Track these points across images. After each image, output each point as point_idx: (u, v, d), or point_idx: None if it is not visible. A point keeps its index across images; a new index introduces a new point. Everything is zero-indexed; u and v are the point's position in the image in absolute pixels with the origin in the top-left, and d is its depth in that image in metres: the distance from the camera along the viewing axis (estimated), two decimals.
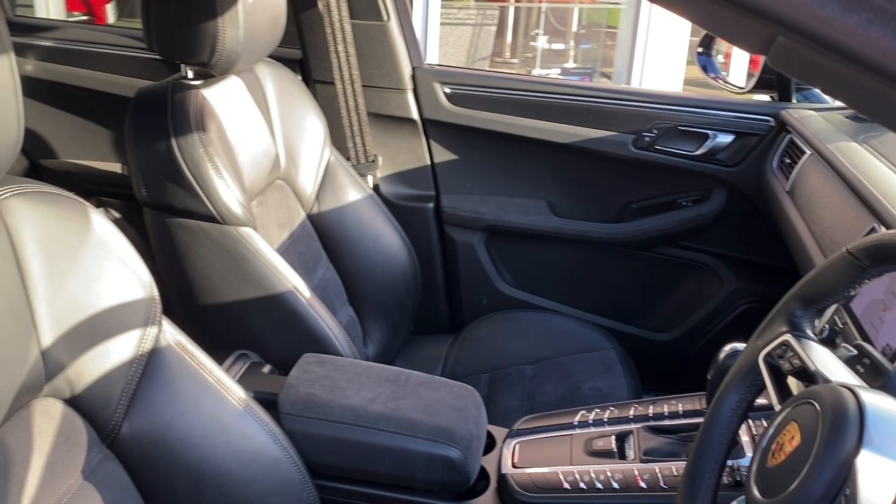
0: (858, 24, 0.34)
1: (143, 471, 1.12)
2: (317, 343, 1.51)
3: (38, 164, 2.35)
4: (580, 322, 2.09)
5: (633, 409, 1.39)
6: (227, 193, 1.46)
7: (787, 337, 0.93)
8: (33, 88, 2.28)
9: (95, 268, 1.06)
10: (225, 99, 1.60)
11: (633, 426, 1.36)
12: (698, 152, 1.99)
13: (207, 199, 1.44)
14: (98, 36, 2.27)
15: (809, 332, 0.94)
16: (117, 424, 1.09)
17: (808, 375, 0.88)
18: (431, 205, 2.15)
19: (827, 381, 0.85)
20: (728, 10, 0.40)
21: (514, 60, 7.81)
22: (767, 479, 0.82)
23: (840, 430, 0.76)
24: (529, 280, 2.19)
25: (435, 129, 2.11)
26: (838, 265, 0.89)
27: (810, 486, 0.75)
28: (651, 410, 1.38)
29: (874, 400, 0.78)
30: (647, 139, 2.00)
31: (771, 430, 0.85)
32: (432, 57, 5.84)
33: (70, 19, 5.74)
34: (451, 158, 2.14)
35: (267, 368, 1.43)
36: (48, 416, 1.02)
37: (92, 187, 2.29)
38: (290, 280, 1.52)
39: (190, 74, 1.56)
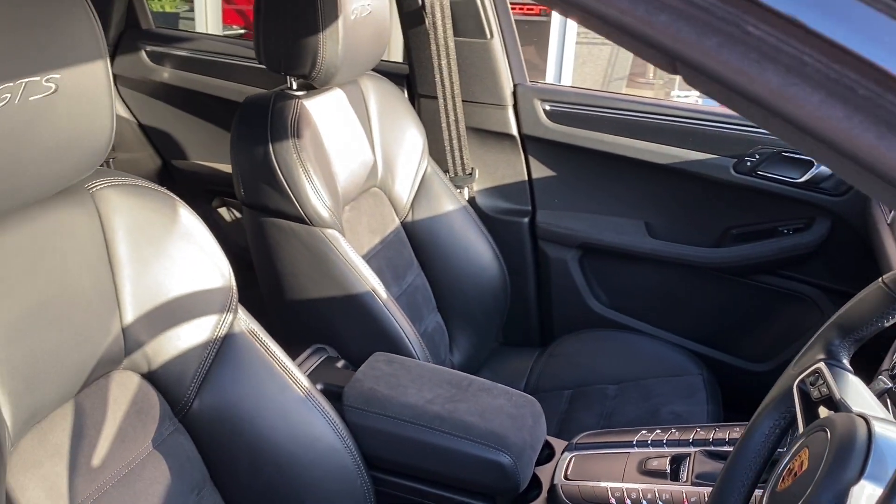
0: (711, 48, 0.36)
1: (209, 445, 1.22)
2: (390, 343, 1.58)
3: (169, 163, 2.56)
4: (670, 345, 2.06)
5: (694, 432, 1.38)
6: (316, 197, 1.56)
7: (821, 365, 0.91)
8: (168, 94, 2.49)
9: (178, 256, 1.17)
10: (325, 109, 1.70)
11: (691, 449, 1.35)
12: (802, 179, 1.93)
13: (297, 201, 1.55)
14: (227, 48, 2.46)
15: (845, 361, 0.92)
16: (189, 400, 1.19)
17: (834, 404, 0.86)
18: (527, 219, 2.18)
19: (848, 410, 0.83)
20: (636, 42, 0.43)
21: (656, 81, 7.69)
22: (775, 502, 0.81)
23: (844, 458, 0.74)
24: (621, 300, 2.19)
25: (533, 145, 2.15)
26: (873, 295, 0.88)
27: None
28: (712, 435, 1.37)
29: (887, 431, 0.76)
30: (748, 164, 1.96)
31: (787, 457, 0.84)
32: (567, 77, 5.86)
33: (227, 32, 6.15)
34: (548, 175, 2.17)
35: (341, 363, 1.51)
36: (125, 387, 1.13)
37: (215, 187, 2.47)
38: (370, 282, 1.59)
39: (294, 85, 1.68)
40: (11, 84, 0.86)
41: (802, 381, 0.93)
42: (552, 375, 2.00)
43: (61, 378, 1.02)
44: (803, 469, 0.79)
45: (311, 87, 1.69)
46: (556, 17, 5.58)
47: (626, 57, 6.94)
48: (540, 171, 2.17)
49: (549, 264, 2.19)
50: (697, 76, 0.40)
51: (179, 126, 2.52)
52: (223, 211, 2.47)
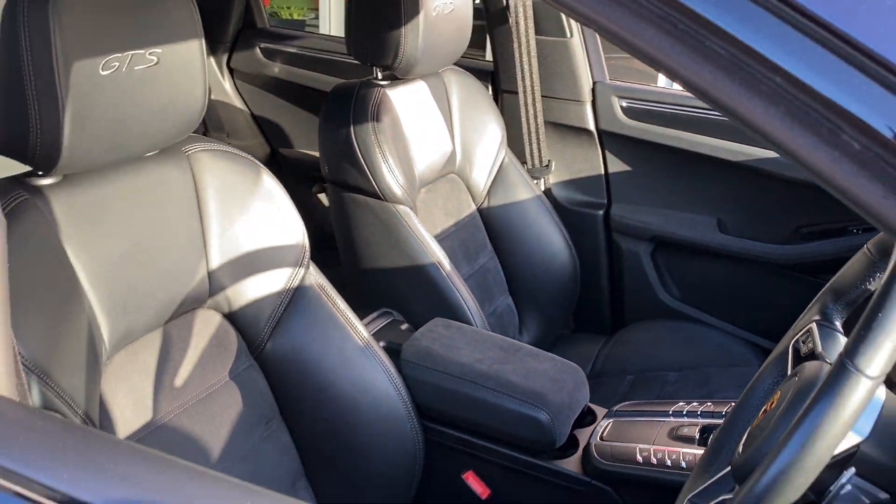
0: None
1: (279, 383, 1.39)
2: (451, 312, 1.72)
3: (277, 151, 2.79)
4: (734, 338, 2.11)
5: (728, 405, 1.45)
6: (390, 176, 1.72)
7: (812, 325, 0.99)
8: (278, 88, 2.72)
9: (259, 214, 1.35)
10: (406, 97, 1.86)
11: (722, 420, 1.42)
12: None
13: (373, 178, 1.71)
14: (331, 45, 2.66)
15: (837, 323, 0.99)
16: (263, 341, 1.37)
17: (815, 357, 0.94)
18: (601, 212, 2.28)
19: (824, 360, 0.90)
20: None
21: None
22: (748, 437, 0.90)
23: (800, 397, 0.83)
24: (690, 292, 2.25)
25: (610, 140, 2.24)
26: (859, 261, 0.95)
27: (767, 443, 0.83)
28: None
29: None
30: None
31: (767, 401, 0.92)
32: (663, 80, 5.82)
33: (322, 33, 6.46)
34: (624, 169, 2.26)
35: (405, 326, 1.66)
36: (207, 323, 1.32)
37: (316, 174, 2.67)
38: (436, 255, 1.74)
39: (379, 76, 1.84)
40: (120, 55, 1.05)
41: (797, 340, 1.01)
42: (616, 361, 2.09)
43: (152, 308, 1.20)
44: (771, 408, 0.88)
45: (394, 78, 1.85)
46: None
47: None
48: (616, 165, 2.26)
49: (621, 256, 2.28)
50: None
51: (287, 117, 2.74)
52: (322, 196, 2.68)
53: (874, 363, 0.70)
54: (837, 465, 0.81)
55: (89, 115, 1.03)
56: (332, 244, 1.92)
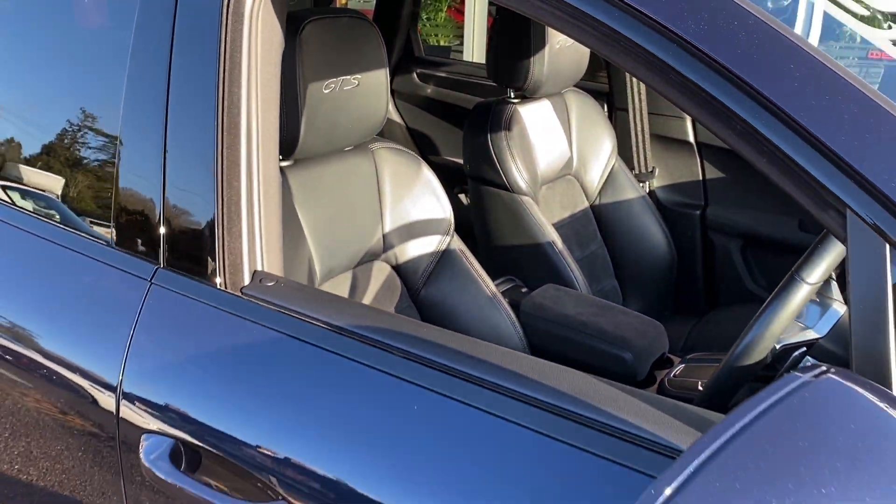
0: None
1: (429, 320, 1.89)
2: (561, 280, 2.17)
3: (426, 158, 3.32)
4: None
5: None
6: (516, 173, 2.20)
7: None
8: (430, 106, 3.26)
9: (419, 195, 1.86)
10: (533, 113, 2.34)
11: None
12: None
13: (503, 174, 2.19)
14: (475, 71, 3.18)
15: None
16: (419, 288, 1.87)
17: None
18: (698, 212, 2.67)
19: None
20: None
21: None
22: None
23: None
24: (775, 283, 2.59)
25: (708, 150, 2.64)
26: None
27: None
28: None
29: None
30: None
31: None
32: None
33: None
34: (719, 176, 2.64)
35: (524, 289, 2.13)
36: (381, 271, 1.83)
37: (459, 177, 3.19)
38: (551, 235, 2.20)
39: (511, 95, 2.33)
40: (335, 79, 1.58)
41: None
42: (706, 337, 2.47)
43: (347, 255, 1.73)
44: None
45: (524, 97, 2.34)
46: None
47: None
48: (712, 172, 2.65)
49: (714, 250, 2.66)
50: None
51: (436, 130, 3.28)
52: (462, 196, 3.19)
53: (813, 274, 1.12)
54: (802, 352, 1.22)
55: (314, 120, 1.57)
56: (469, 235, 2.42)
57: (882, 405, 0.67)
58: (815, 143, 0.82)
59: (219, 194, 1.17)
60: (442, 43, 7.69)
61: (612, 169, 2.54)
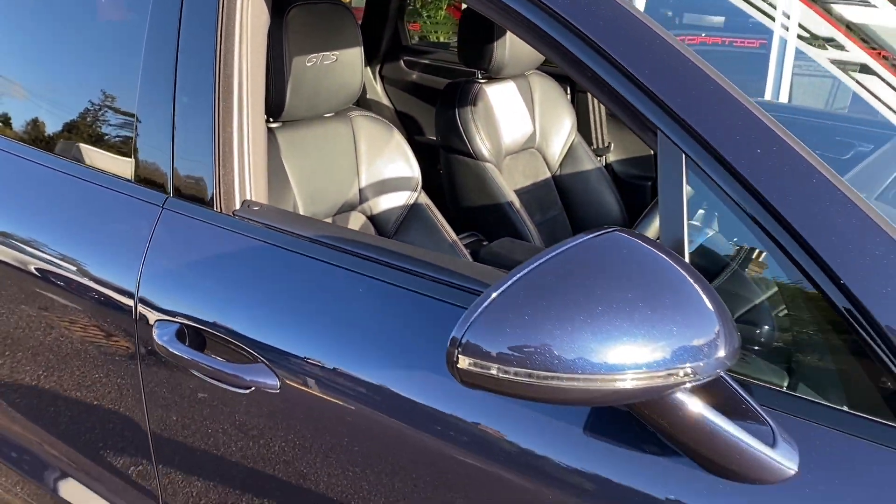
0: None
1: None
2: (518, 236, 2.50)
3: (412, 138, 3.65)
4: None
5: None
6: (480, 143, 2.52)
7: None
8: (415, 90, 3.58)
9: (391, 157, 2.18)
10: (497, 92, 2.66)
11: None
12: None
13: (469, 143, 2.52)
14: (452, 56, 3.51)
15: None
16: (391, 236, 2.19)
17: None
18: (650, 183, 2.99)
19: None
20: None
21: None
22: None
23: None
24: None
25: None
26: None
27: None
28: None
29: None
30: None
31: None
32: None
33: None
34: None
35: (485, 243, 2.46)
36: (357, 220, 2.16)
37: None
38: (511, 197, 2.53)
39: (479, 76, 2.66)
40: (316, 55, 1.90)
41: None
42: None
43: (327, 204, 2.06)
44: None
45: (490, 78, 2.66)
46: (774, 49, 6.10)
47: (846, 90, 7.17)
48: None
49: None
50: None
51: (421, 112, 3.61)
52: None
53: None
54: None
55: (299, 89, 1.89)
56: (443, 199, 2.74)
57: (660, 252, 0.98)
58: (638, 84, 1.14)
59: (216, 138, 1.50)
60: (441, 39, 8.01)
61: (571, 143, 2.86)
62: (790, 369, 1.10)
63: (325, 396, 1.31)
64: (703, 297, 0.93)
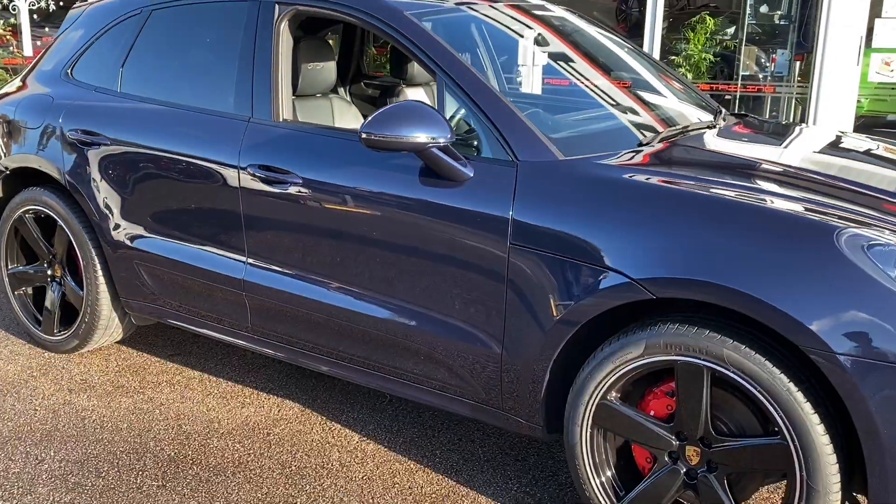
0: None
1: None
2: None
3: None
4: None
5: None
6: None
7: None
8: (374, 102, 5.63)
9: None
10: (412, 94, 4.72)
11: None
12: None
13: None
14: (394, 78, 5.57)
15: None
16: None
17: None
18: None
19: None
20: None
21: None
22: None
23: None
24: None
25: None
26: None
27: None
28: None
29: None
30: None
31: None
32: None
33: None
34: None
35: None
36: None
37: None
38: None
39: (401, 83, 4.72)
40: (313, 63, 3.97)
41: None
42: None
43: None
44: None
45: (408, 84, 4.72)
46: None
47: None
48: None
49: None
50: None
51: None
52: None
53: None
54: None
55: (305, 79, 3.94)
56: None
57: (432, 109, 3.04)
58: (437, 65, 3.20)
59: (274, 101, 3.57)
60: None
61: None
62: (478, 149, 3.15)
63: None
64: (442, 118, 3.00)
